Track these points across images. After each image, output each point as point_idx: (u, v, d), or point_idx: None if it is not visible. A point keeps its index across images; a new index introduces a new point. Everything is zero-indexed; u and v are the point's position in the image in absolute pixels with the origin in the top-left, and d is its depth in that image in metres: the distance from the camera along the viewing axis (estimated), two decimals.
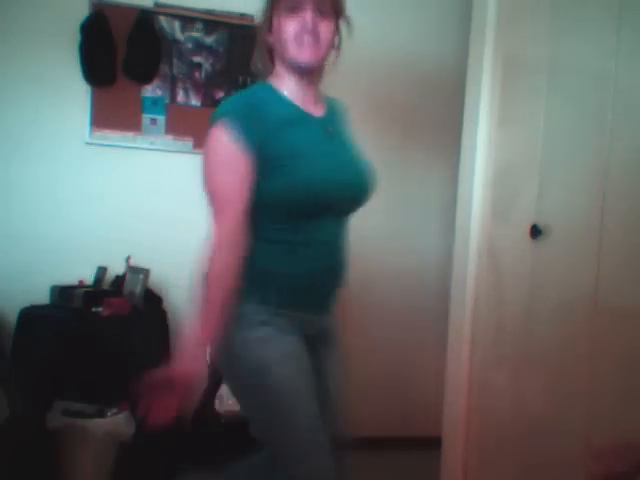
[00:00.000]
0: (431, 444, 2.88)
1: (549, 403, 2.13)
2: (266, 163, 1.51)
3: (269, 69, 1.64)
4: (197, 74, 3.13)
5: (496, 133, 2.50)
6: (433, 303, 3.42)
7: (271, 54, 1.63)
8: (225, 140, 1.50)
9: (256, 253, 1.53)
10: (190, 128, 3.10)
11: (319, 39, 1.55)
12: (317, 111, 1.64)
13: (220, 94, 3.15)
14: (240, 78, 3.17)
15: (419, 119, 3.43)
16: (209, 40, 3.13)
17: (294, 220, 1.56)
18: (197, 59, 3.13)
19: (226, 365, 1.70)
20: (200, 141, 3.10)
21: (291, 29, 1.54)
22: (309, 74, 1.59)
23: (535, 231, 2.22)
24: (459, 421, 2.60)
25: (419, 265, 3.47)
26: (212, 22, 3.11)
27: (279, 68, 1.61)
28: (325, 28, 1.56)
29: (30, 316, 2.68)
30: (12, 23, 2.92)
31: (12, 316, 2.74)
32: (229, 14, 3.14)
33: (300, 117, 1.59)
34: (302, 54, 1.55)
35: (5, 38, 2.92)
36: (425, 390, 3.33)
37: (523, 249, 2.28)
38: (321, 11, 1.55)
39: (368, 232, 3.33)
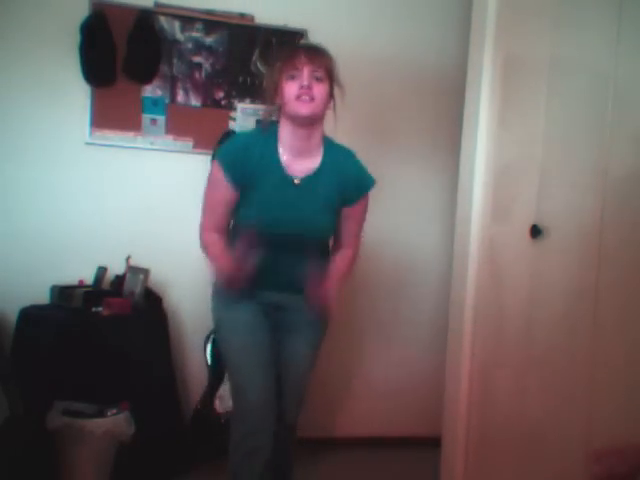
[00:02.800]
0: (431, 444, 2.88)
1: (549, 403, 2.13)
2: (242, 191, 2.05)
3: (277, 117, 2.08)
4: (197, 74, 3.13)
5: (496, 133, 2.50)
6: (433, 303, 3.42)
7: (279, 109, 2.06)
8: (216, 171, 2.07)
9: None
10: (190, 128, 3.10)
11: (314, 97, 1.97)
12: (301, 165, 2.06)
13: (220, 94, 3.15)
14: (240, 78, 3.17)
15: (419, 119, 3.42)
16: (209, 40, 3.13)
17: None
18: (197, 59, 3.13)
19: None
20: (200, 141, 3.11)
21: (292, 90, 1.97)
22: (306, 125, 2.01)
23: (535, 231, 2.22)
24: (459, 421, 2.60)
25: (419, 265, 3.48)
26: (212, 22, 3.11)
27: (283, 120, 2.05)
28: (319, 89, 1.98)
29: (30, 316, 2.68)
30: (12, 23, 2.92)
31: (12, 316, 2.74)
32: (229, 14, 3.14)
33: (273, 167, 2.04)
34: (300, 108, 1.97)
35: (5, 38, 2.92)
36: (425, 390, 3.33)
37: (523, 249, 2.28)
38: (316, 77, 1.98)
39: (368, 232, 3.33)
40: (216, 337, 2.51)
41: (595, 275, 1.94)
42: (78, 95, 2.98)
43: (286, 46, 2.11)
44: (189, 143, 3.12)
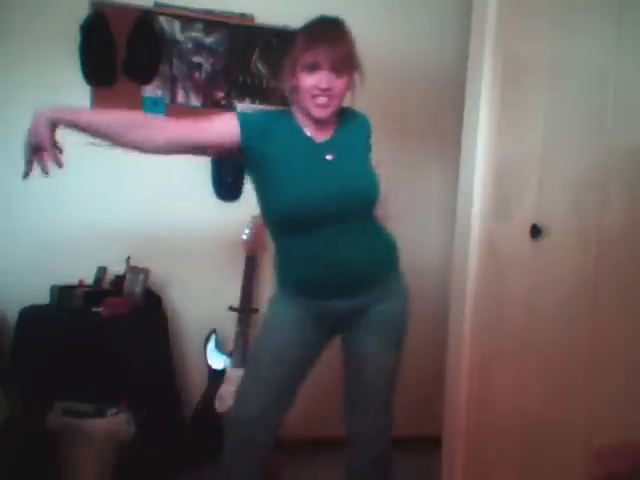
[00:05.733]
0: (431, 444, 2.88)
1: (549, 404, 2.13)
2: (251, 164, 1.89)
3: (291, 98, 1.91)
4: (197, 74, 3.13)
5: (496, 133, 2.50)
6: (433, 303, 3.42)
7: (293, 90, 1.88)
8: (229, 114, 1.89)
9: (275, 259, 1.96)
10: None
11: (332, 96, 1.82)
12: (323, 134, 1.90)
13: (220, 94, 3.15)
14: (240, 78, 3.17)
15: (419, 119, 3.43)
16: (209, 40, 3.13)
17: (283, 235, 1.91)
18: (197, 59, 3.13)
19: None
20: None
21: (308, 85, 1.80)
22: (321, 122, 1.87)
23: (535, 231, 2.22)
24: (459, 421, 2.60)
25: (419, 265, 3.47)
26: (212, 22, 3.11)
27: (297, 105, 1.90)
28: (339, 85, 1.82)
29: (30, 316, 2.68)
30: (12, 23, 2.92)
31: (12, 316, 2.73)
32: (229, 14, 3.14)
33: (300, 142, 1.88)
34: (315, 110, 1.83)
35: (5, 38, 2.92)
36: (425, 390, 3.33)
37: (523, 248, 2.28)
38: (337, 69, 1.80)
39: None
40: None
41: (594, 275, 1.94)
42: (78, 95, 2.98)
43: (305, 28, 1.85)
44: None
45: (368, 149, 2.02)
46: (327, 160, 1.88)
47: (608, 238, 1.91)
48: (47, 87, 2.96)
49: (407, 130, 3.42)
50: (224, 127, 1.84)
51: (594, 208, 1.96)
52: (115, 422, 2.45)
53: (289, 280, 1.94)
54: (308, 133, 1.90)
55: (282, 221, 1.88)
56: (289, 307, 1.93)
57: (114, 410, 2.48)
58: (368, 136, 2.02)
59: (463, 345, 2.58)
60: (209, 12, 3.11)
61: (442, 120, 3.36)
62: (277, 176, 1.85)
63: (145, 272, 2.83)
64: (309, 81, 1.80)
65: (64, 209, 3.02)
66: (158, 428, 2.63)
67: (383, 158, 3.36)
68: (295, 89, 1.86)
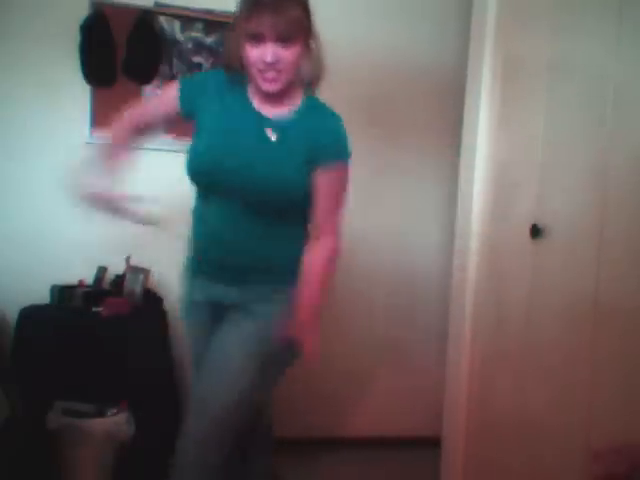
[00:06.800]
0: (431, 444, 2.88)
1: (550, 404, 2.13)
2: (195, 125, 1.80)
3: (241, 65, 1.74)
4: None
5: (496, 133, 2.50)
6: (433, 303, 3.42)
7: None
8: (172, 85, 1.85)
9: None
10: (190, 128, 3.09)
11: (280, 70, 1.64)
12: (274, 110, 1.74)
13: None
14: None
15: (419, 119, 3.42)
16: (209, 40, 3.13)
17: (197, 193, 1.84)
18: (197, 59, 3.13)
19: None
20: None
21: (254, 58, 1.64)
22: (273, 96, 1.72)
23: (535, 231, 2.22)
24: (459, 421, 2.60)
25: (419, 265, 3.47)
26: (212, 22, 3.11)
27: (249, 78, 1.73)
28: (287, 56, 1.64)
29: (30, 316, 2.68)
30: (12, 23, 2.92)
31: (12, 316, 2.73)
32: (229, 14, 3.13)
33: (243, 107, 1.75)
34: (264, 85, 1.67)
35: (5, 38, 2.92)
36: (425, 390, 3.33)
37: (523, 249, 2.28)
38: (283, 39, 1.61)
39: (368, 231, 3.34)
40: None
41: (595, 275, 1.94)
42: (78, 95, 2.98)
43: None
44: (189, 143, 3.11)
45: (312, 160, 1.73)
46: (266, 136, 1.72)
47: (608, 238, 1.91)
48: (47, 87, 2.97)
49: (407, 130, 3.42)
50: (168, 97, 1.83)
51: (594, 208, 1.96)
52: (115, 422, 2.45)
53: (190, 250, 1.90)
54: (254, 104, 1.75)
55: (189, 174, 1.77)
56: (195, 304, 1.88)
57: (114, 410, 2.48)
58: (317, 148, 1.73)
59: (463, 345, 2.58)
60: (209, 12, 3.11)
61: (442, 120, 3.35)
62: (204, 126, 1.77)
63: (145, 272, 2.82)
64: (254, 53, 1.63)
65: (64, 209, 3.02)
66: (158, 428, 2.62)
67: (382, 159, 3.39)
68: (243, 60, 1.70)
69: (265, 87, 1.67)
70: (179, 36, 3.10)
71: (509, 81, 2.45)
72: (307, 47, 1.70)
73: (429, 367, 3.31)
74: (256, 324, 1.76)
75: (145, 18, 3.00)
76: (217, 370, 1.75)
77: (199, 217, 1.86)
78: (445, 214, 3.35)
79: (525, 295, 2.28)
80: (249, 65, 1.67)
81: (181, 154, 3.12)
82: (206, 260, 1.83)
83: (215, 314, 1.83)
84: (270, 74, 1.65)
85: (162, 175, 3.12)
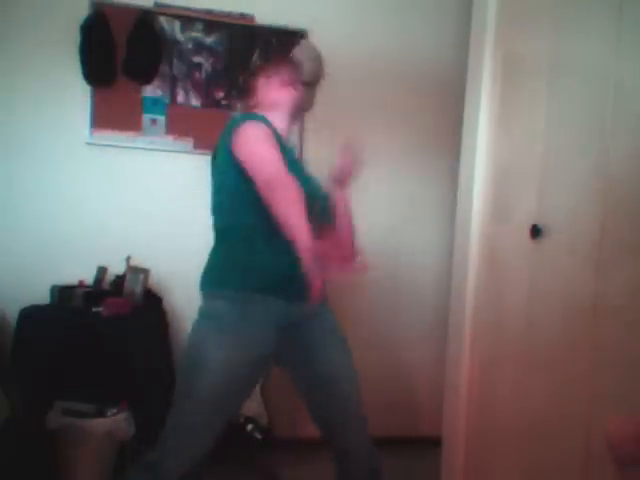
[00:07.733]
0: (431, 444, 2.88)
1: (549, 404, 2.13)
2: None
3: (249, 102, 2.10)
4: (197, 74, 3.13)
5: (496, 133, 2.50)
6: (433, 303, 3.42)
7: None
8: (262, 126, 1.80)
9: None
10: (190, 128, 3.10)
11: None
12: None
13: (220, 94, 3.15)
14: (240, 78, 3.17)
15: (419, 119, 3.43)
16: (209, 40, 3.13)
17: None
18: (197, 59, 3.13)
19: None
20: (200, 141, 3.11)
21: (294, 99, 1.96)
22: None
23: (535, 231, 2.21)
24: (459, 421, 2.60)
25: (419, 265, 3.48)
26: (212, 22, 3.11)
27: (266, 106, 1.98)
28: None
29: (30, 316, 2.68)
30: (12, 23, 2.92)
31: (12, 316, 2.74)
32: (229, 14, 3.14)
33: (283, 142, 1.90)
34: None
35: (5, 38, 2.92)
36: (425, 390, 3.33)
37: (523, 249, 2.28)
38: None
39: (368, 231, 3.33)
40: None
41: (595, 275, 1.94)
42: (78, 95, 2.98)
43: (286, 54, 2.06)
44: (189, 143, 3.12)
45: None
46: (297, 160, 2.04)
47: (608, 238, 1.91)
48: (47, 87, 2.97)
49: (407, 130, 3.42)
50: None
51: (594, 208, 1.96)
52: (115, 422, 2.45)
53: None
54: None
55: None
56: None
57: (114, 410, 2.48)
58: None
59: (463, 346, 2.58)
60: (209, 12, 3.11)
61: (442, 120, 3.35)
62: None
63: (145, 272, 2.82)
64: (295, 95, 1.99)
65: (64, 209, 3.02)
66: (158, 428, 2.63)
67: (382, 159, 3.39)
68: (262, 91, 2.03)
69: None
70: (179, 36, 3.10)
71: (509, 80, 2.45)
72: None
73: (429, 367, 3.31)
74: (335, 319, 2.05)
75: (145, 18, 3.00)
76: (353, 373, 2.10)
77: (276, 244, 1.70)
78: (445, 214, 3.35)
79: (525, 295, 2.28)
80: (290, 104, 2.01)
81: (180, 154, 3.18)
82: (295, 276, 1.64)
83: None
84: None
85: (163, 175, 3.13)
